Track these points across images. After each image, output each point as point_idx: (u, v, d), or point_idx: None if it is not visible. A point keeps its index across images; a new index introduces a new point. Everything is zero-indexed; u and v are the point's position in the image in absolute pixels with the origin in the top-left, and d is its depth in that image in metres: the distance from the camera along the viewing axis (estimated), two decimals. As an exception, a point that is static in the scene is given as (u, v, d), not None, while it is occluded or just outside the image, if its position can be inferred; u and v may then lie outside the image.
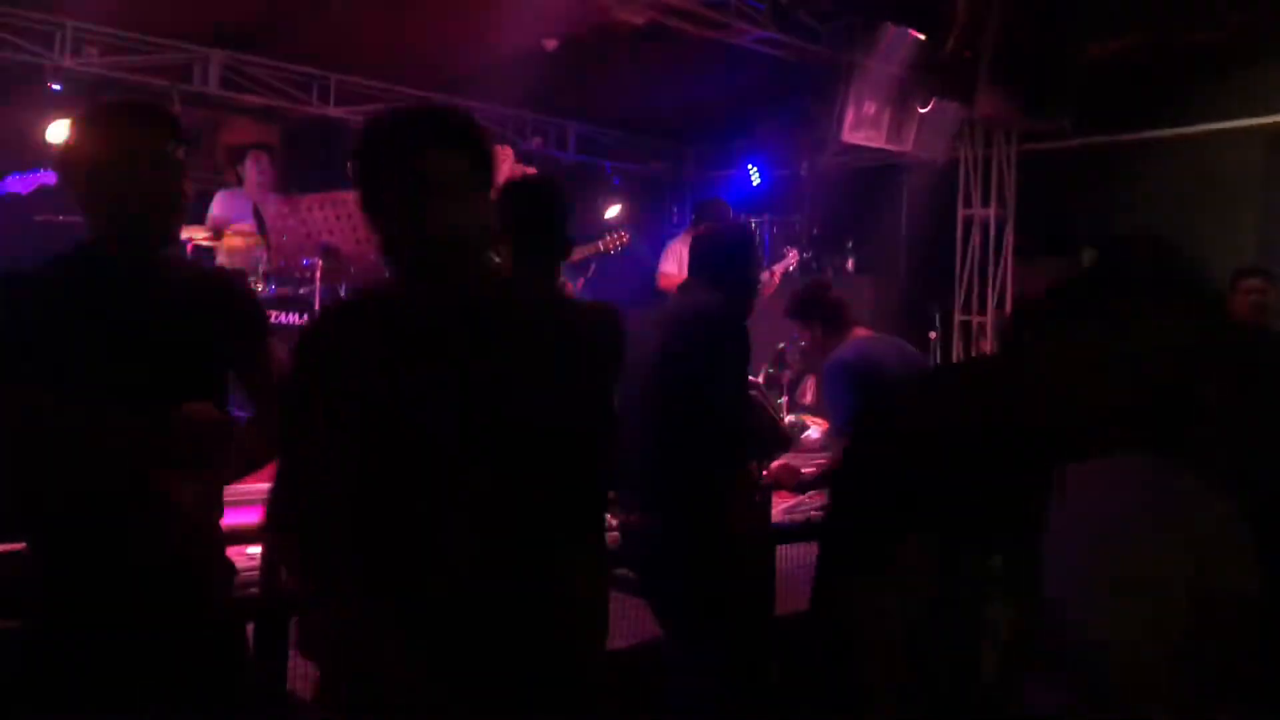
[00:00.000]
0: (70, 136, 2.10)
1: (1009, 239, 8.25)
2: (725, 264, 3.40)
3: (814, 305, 4.34)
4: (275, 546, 2.17)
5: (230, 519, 3.80)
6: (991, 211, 8.30)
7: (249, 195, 6.73)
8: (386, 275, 1.91)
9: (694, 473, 3.21)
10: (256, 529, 3.38)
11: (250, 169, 6.86)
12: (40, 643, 2.04)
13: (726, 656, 3.17)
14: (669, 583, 3.23)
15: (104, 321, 2.01)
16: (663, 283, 7.31)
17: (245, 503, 4.48)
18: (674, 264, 7.25)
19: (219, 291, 2.23)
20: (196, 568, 2.13)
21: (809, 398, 7.70)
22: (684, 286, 3.52)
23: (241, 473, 2.21)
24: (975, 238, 8.39)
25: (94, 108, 2.13)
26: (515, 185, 2.91)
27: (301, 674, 3.07)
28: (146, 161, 2.06)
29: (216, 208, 6.83)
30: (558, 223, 2.79)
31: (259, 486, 4.85)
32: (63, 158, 2.10)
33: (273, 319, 6.12)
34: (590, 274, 7.00)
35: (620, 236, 6.45)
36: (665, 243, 7.79)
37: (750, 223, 8.79)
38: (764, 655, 3.28)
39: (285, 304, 6.19)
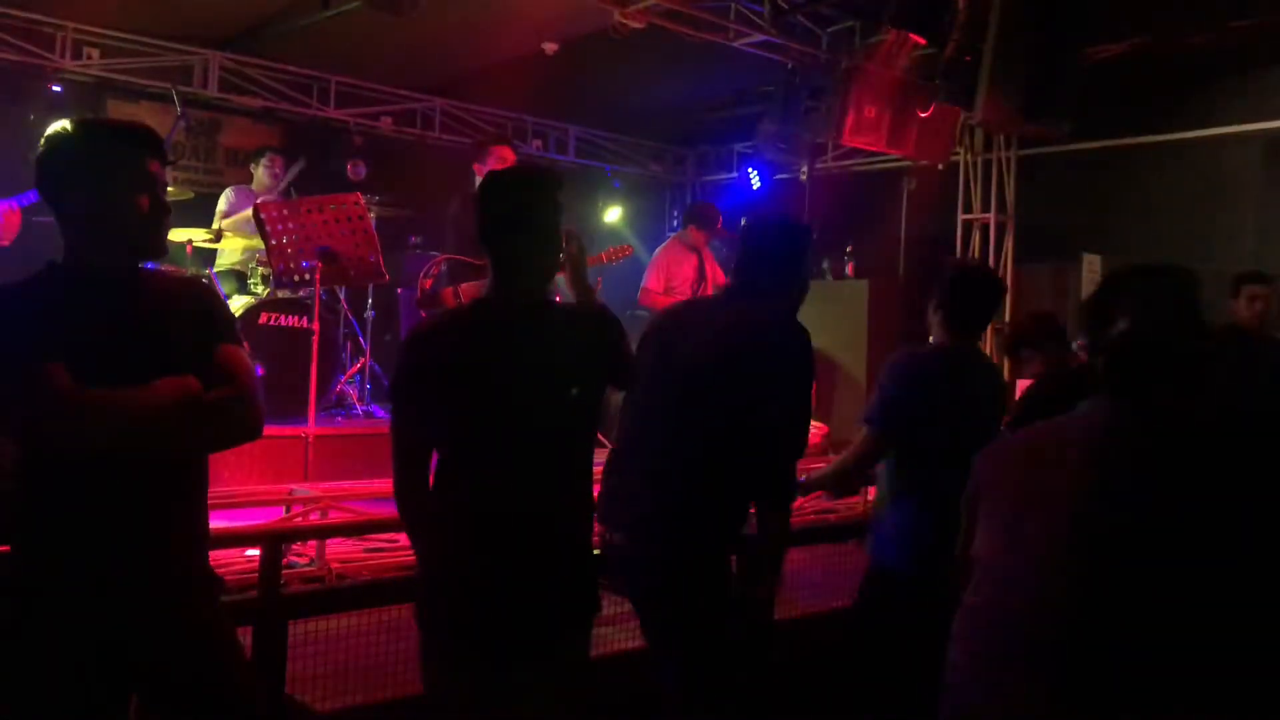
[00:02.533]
0: (46, 154, 2.09)
1: (1009, 243, 8.25)
2: (773, 264, 2.98)
3: None
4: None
5: (230, 522, 3.80)
6: (991, 216, 8.30)
7: (259, 194, 6.72)
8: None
9: (734, 512, 2.87)
10: (255, 532, 3.38)
11: (265, 169, 6.86)
12: (14, 644, 2.03)
13: (716, 692, 2.83)
14: (668, 617, 2.86)
15: (80, 338, 2.02)
16: (644, 299, 6.97)
17: (244, 506, 4.50)
18: (660, 279, 7.01)
19: (191, 300, 2.24)
20: (178, 574, 2.13)
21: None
22: (731, 291, 3.08)
23: (217, 444, 2.23)
24: (975, 242, 8.39)
25: (71, 127, 2.12)
26: (500, 179, 2.47)
27: (300, 677, 3.07)
28: (124, 181, 2.07)
29: (229, 203, 6.80)
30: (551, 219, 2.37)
31: (257, 489, 4.85)
32: (40, 176, 2.10)
33: (273, 321, 6.12)
34: (599, 287, 6.86)
35: (623, 249, 6.37)
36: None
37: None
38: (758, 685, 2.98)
39: (285, 306, 6.18)
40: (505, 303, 2.34)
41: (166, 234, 2.20)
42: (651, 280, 6.99)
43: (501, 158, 5.72)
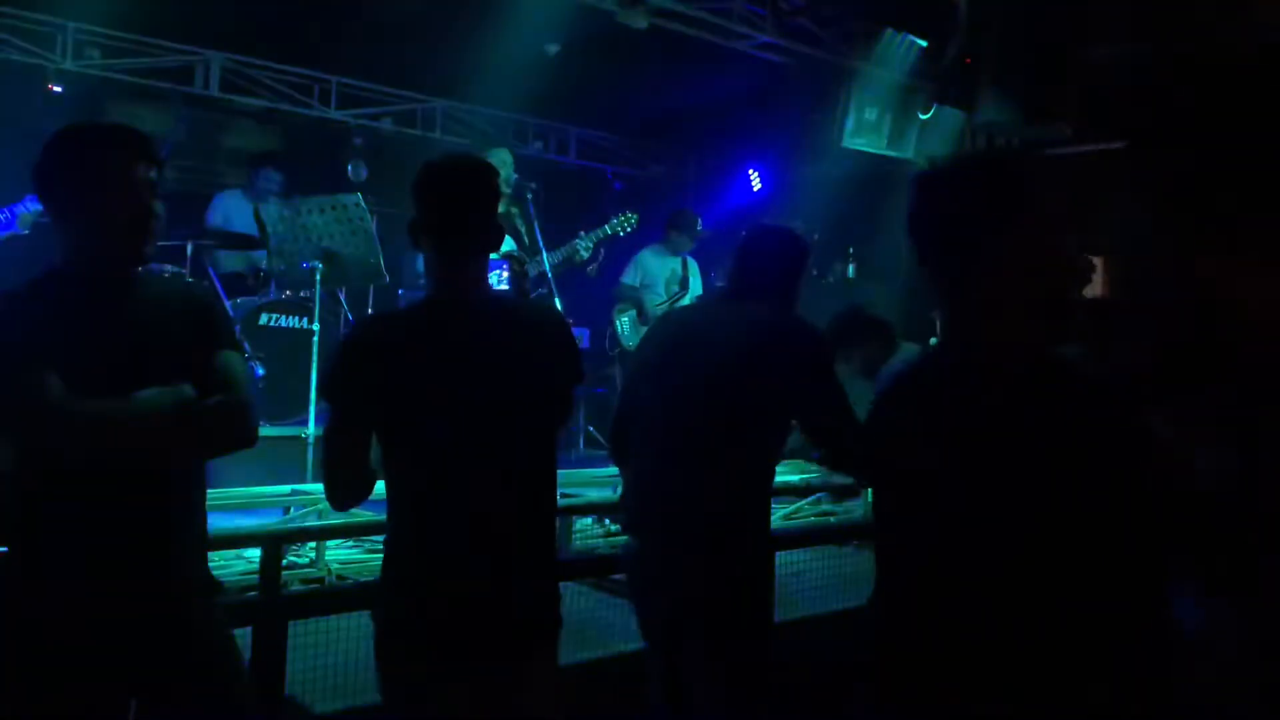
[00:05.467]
0: (41, 159, 2.11)
1: (1009, 245, 8.24)
2: (774, 271, 3.08)
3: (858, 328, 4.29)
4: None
5: (230, 522, 3.79)
6: (992, 218, 8.28)
7: (250, 199, 6.74)
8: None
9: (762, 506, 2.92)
10: (253, 534, 3.38)
11: (260, 179, 6.89)
12: (12, 649, 2.02)
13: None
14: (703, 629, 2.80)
15: (75, 342, 2.02)
16: (618, 292, 7.24)
17: (244, 507, 4.50)
18: (635, 274, 7.19)
19: (190, 304, 2.24)
20: (176, 579, 2.13)
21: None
22: (729, 295, 3.15)
23: (211, 452, 2.21)
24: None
25: (66, 130, 2.14)
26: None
27: (300, 678, 3.07)
28: (116, 185, 2.08)
29: (217, 210, 6.84)
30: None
31: (257, 491, 4.84)
32: (37, 179, 2.11)
33: (274, 322, 6.12)
34: (601, 259, 6.77)
35: (628, 218, 6.40)
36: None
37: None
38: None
39: (285, 307, 6.19)
40: (452, 301, 2.29)
41: (156, 237, 2.18)
42: (628, 274, 7.18)
43: (502, 161, 5.77)
